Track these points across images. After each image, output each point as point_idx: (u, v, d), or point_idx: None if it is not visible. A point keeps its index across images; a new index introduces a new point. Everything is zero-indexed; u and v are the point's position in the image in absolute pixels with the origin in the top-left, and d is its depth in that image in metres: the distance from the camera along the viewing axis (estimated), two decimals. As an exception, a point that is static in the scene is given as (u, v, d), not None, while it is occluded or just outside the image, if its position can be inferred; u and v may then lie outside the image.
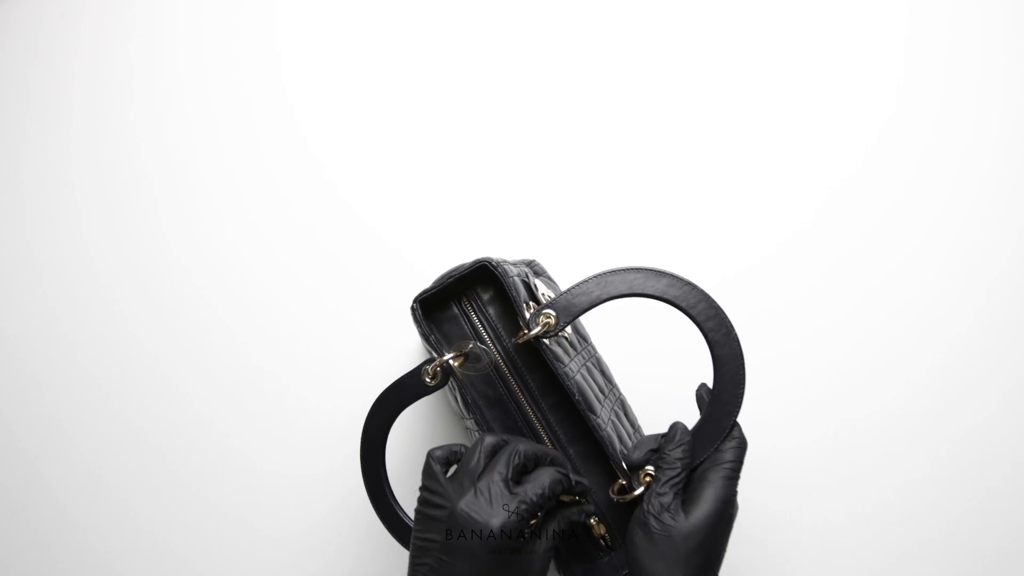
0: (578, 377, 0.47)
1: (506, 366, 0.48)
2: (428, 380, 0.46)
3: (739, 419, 0.45)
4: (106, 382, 0.71)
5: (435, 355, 0.47)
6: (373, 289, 0.69)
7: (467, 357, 0.47)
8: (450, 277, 0.48)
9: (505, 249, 0.69)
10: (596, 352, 0.57)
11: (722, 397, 0.45)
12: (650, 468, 0.44)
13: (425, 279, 0.69)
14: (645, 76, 0.72)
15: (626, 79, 0.72)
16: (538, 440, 0.48)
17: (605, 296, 0.45)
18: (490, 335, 0.48)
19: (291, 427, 0.68)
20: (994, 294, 0.64)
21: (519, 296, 0.46)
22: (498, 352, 0.48)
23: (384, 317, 0.68)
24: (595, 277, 0.45)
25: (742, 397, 0.45)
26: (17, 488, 0.70)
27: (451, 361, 0.46)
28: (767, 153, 0.69)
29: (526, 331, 0.45)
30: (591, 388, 0.48)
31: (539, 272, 0.57)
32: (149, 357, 0.71)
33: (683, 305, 0.45)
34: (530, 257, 0.60)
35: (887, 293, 0.65)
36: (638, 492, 0.44)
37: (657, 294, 0.45)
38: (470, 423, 0.52)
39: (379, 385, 0.66)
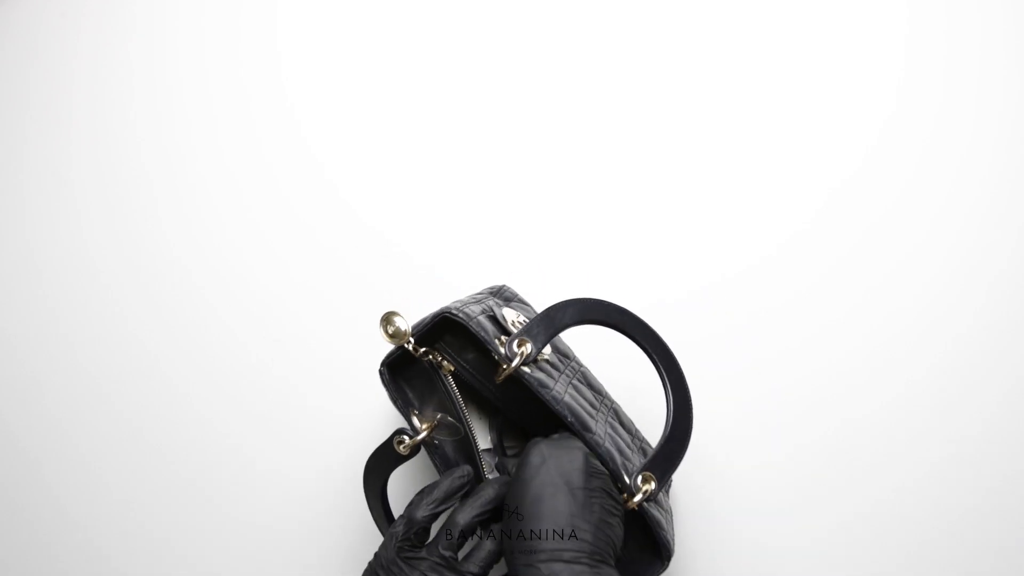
0: (566, 398, 0.47)
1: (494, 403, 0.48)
2: (401, 451, 0.48)
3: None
4: (106, 382, 0.71)
5: (407, 423, 0.48)
6: (373, 288, 0.69)
7: (437, 428, 0.48)
8: (412, 335, 0.48)
9: (503, 245, 0.69)
10: (581, 366, 0.56)
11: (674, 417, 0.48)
12: (648, 473, 0.45)
13: (424, 277, 0.69)
14: (645, 77, 0.72)
15: (625, 79, 0.72)
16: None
17: (562, 325, 0.47)
18: (469, 379, 0.48)
19: (291, 426, 0.68)
20: (994, 294, 0.64)
21: (488, 334, 0.46)
22: (488, 392, 0.48)
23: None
24: (549, 308, 0.47)
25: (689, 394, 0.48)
26: (17, 488, 0.70)
27: (422, 434, 0.47)
28: (767, 153, 0.69)
29: (505, 366, 0.45)
30: (581, 406, 0.48)
31: (510, 298, 0.56)
32: (149, 357, 0.71)
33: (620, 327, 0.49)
34: (500, 283, 0.59)
35: (887, 293, 0.65)
36: (637, 499, 0.45)
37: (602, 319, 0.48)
38: None
39: (379, 384, 0.67)
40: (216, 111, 0.75)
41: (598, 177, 0.70)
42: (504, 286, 0.57)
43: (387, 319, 0.46)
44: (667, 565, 0.47)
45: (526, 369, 0.45)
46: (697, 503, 0.60)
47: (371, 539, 0.64)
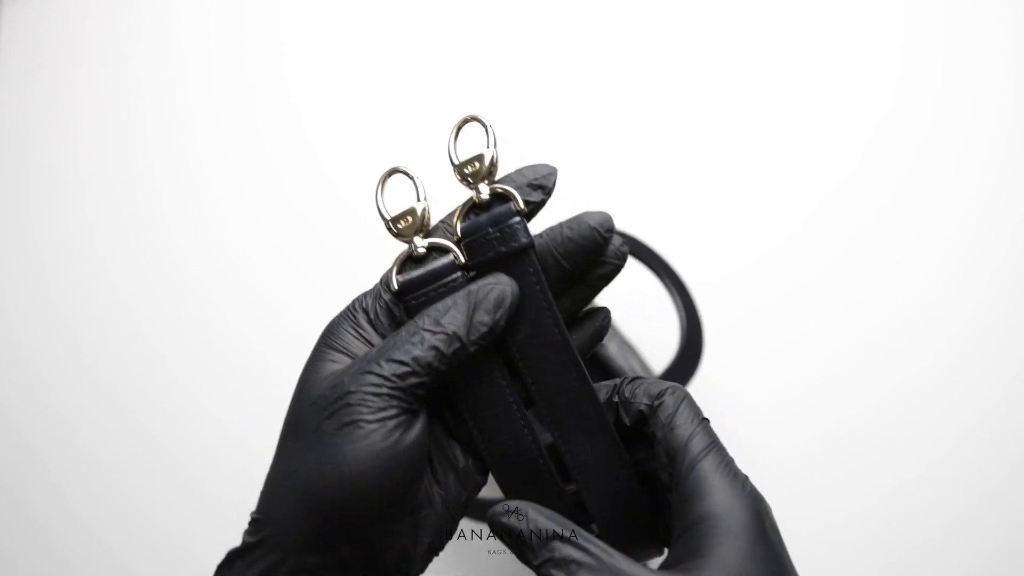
0: None
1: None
2: None
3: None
4: (113, 380, 0.71)
5: None
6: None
7: None
8: None
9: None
10: None
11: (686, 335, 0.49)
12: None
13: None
14: (643, 76, 0.72)
15: (623, 80, 0.72)
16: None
17: None
18: None
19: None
20: (991, 292, 0.64)
21: None
22: None
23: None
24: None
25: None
26: (22, 485, 0.70)
27: None
28: (763, 151, 0.69)
29: None
30: None
31: None
32: (156, 356, 0.71)
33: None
34: None
35: (883, 291, 0.65)
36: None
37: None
38: None
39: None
40: (223, 112, 0.76)
41: (596, 179, 0.71)
42: None
43: None
44: None
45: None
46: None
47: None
